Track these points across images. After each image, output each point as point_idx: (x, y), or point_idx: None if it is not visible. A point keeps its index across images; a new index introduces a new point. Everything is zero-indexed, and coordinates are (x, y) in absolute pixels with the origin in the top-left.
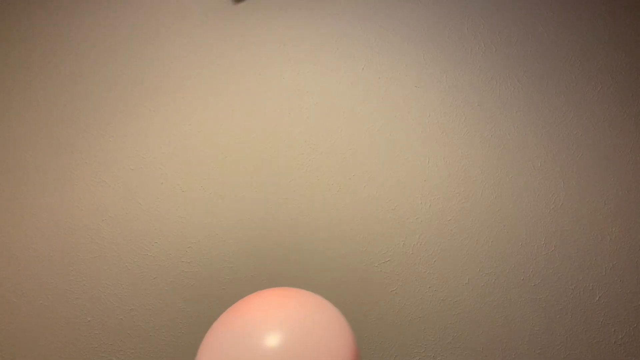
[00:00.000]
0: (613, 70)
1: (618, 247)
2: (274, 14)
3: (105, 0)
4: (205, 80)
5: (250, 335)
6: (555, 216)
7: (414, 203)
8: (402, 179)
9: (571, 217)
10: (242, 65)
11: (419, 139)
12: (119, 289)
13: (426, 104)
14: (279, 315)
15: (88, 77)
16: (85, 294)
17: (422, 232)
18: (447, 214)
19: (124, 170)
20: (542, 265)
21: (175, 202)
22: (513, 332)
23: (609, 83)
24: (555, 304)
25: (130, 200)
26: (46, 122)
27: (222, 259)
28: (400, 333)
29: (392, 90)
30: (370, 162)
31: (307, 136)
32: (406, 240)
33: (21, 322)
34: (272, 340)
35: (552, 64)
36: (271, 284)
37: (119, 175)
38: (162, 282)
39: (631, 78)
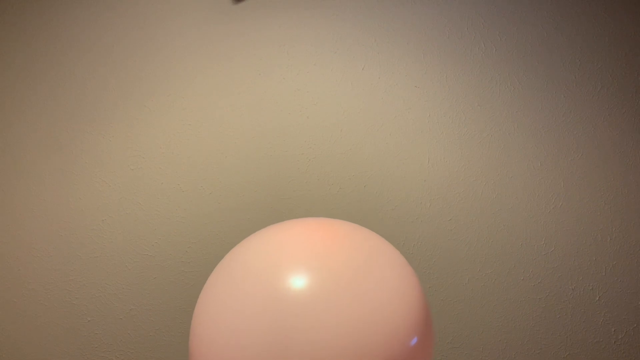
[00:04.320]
0: (613, 70)
1: (618, 247)
2: (274, 14)
3: (104, 0)
4: (205, 80)
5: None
6: (555, 216)
7: (414, 203)
8: (402, 179)
9: (571, 217)
10: (241, 65)
11: (419, 139)
12: (119, 289)
13: (426, 104)
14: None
15: (87, 76)
16: (85, 294)
17: (422, 232)
18: (447, 214)
19: (124, 170)
20: (542, 265)
21: (175, 202)
22: (513, 332)
23: (609, 83)
24: (555, 304)
25: (130, 200)
26: (46, 122)
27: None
28: None
29: (392, 90)
30: (370, 162)
31: (307, 136)
32: (406, 240)
33: (21, 322)
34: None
35: (552, 64)
36: None
37: (119, 175)
38: (162, 282)
39: (631, 78)
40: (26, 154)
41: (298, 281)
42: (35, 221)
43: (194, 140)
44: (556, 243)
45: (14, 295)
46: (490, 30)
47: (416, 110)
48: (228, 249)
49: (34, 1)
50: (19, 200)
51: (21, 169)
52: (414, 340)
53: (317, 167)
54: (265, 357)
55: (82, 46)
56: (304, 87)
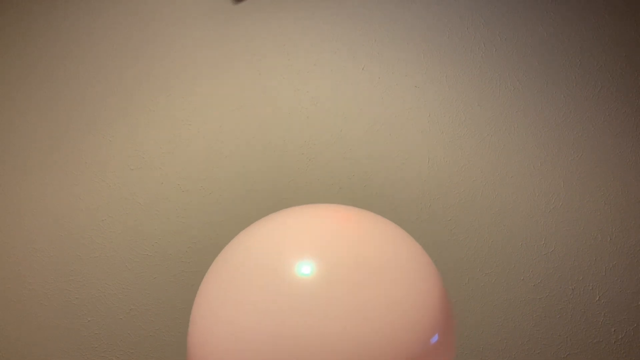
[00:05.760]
0: (613, 70)
1: (618, 247)
2: (274, 14)
3: (104, 0)
4: (205, 80)
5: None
6: (555, 216)
7: (414, 203)
8: (402, 179)
9: (571, 217)
10: (242, 65)
11: (419, 139)
12: (119, 289)
13: (426, 104)
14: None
15: (87, 76)
16: (85, 294)
17: (422, 232)
18: (447, 214)
19: (124, 170)
20: (542, 265)
21: (175, 202)
22: (513, 332)
23: (609, 83)
24: (555, 304)
25: (130, 200)
26: (47, 121)
27: None
28: None
29: (392, 90)
30: (370, 162)
31: (307, 136)
32: None
33: (21, 322)
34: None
35: (552, 64)
36: None
37: (119, 175)
38: (162, 282)
39: (631, 78)
40: (27, 154)
41: (304, 270)
42: (35, 221)
43: (194, 140)
44: (556, 243)
45: (14, 295)
46: (490, 31)
47: (416, 110)
48: None
49: (37, 2)
50: (19, 200)
51: (22, 169)
52: (435, 338)
53: (317, 167)
54: (265, 355)
55: (84, 47)
56: (304, 87)
